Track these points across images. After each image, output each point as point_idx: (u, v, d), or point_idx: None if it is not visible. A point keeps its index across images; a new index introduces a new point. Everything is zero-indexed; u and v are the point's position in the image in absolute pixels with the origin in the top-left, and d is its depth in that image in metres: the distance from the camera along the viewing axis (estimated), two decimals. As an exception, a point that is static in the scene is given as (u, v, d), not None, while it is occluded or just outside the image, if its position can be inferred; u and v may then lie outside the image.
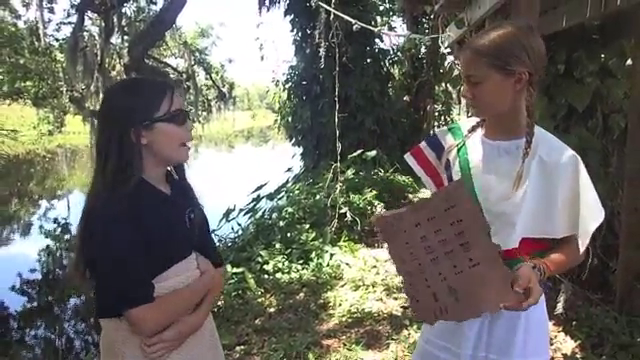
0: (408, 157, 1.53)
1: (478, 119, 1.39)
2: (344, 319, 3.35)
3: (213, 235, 5.63)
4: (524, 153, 1.24)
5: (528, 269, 1.16)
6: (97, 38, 10.07)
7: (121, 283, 1.14)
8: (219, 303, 3.67)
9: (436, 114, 10.73)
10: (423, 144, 1.51)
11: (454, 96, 8.60)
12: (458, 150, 1.39)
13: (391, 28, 10.12)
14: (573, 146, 3.25)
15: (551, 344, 2.85)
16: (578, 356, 2.68)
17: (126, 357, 1.20)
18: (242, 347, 3.06)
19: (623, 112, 3.32)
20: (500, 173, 1.28)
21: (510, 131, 1.29)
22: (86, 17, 9.29)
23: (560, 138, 3.41)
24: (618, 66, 3.47)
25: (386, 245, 1.32)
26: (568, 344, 2.83)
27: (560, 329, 2.99)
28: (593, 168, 3.26)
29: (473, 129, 1.39)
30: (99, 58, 9.72)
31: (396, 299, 3.66)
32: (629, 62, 3.46)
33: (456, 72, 4.40)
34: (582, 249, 1.26)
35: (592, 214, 1.24)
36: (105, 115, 1.22)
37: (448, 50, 4.19)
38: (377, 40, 9.13)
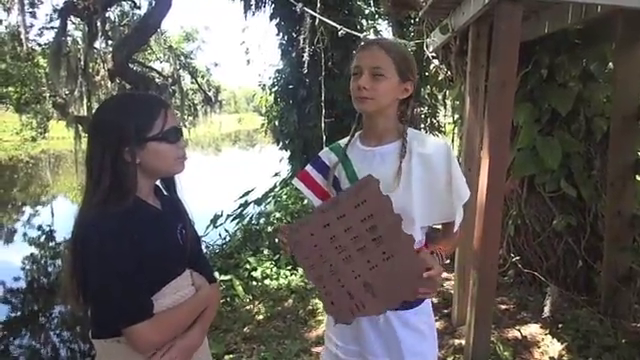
0: (296, 181, 1.56)
1: (348, 137, 1.52)
2: (333, 325, 3.34)
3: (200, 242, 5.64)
4: (401, 154, 1.37)
5: (429, 255, 1.28)
6: (80, 43, 9.95)
7: (120, 300, 1.12)
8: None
9: (422, 117, 10.79)
10: (309, 167, 1.56)
11: (439, 98, 8.66)
12: (343, 165, 1.47)
13: (377, 32, 10.12)
14: (557, 150, 3.29)
15: (538, 347, 2.88)
16: (565, 358, 2.71)
17: None
18: (231, 356, 3.03)
19: (605, 116, 3.37)
20: (385, 176, 1.34)
21: (383, 137, 1.43)
22: (69, 22, 9.18)
23: (544, 142, 3.43)
24: (599, 70, 3.52)
25: (295, 254, 1.31)
26: (555, 346, 2.86)
27: (547, 332, 3.01)
28: (577, 171, 3.31)
29: (349, 142, 1.51)
30: (82, 63, 9.61)
31: (385, 304, 3.67)
32: (610, 66, 3.52)
33: (441, 76, 4.43)
34: (456, 228, 1.41)
35: (459, 196, 1.36)
36: (98, 132, 1.18)
37: (433, 55, 4.20)
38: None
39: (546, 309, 3.11)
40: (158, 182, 1.33)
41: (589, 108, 3.41)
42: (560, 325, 3.03)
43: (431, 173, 1.35)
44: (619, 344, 2.76)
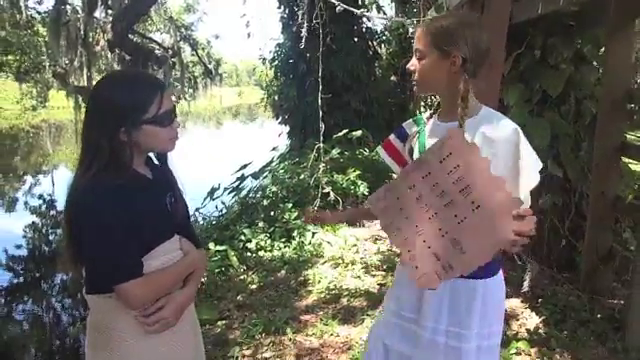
0: (380, 149, 1.66)
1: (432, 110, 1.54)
2: (322, 295, 3.47)
3: (197, 213, 5.74)
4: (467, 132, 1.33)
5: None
6: (80, 12, 9.86)
7: (111, 260, 1.20)
8: (202, 279, 3.77)
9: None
10: (392, 136, 1.64)
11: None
12: (418, 136, 1.52)
13: (379, 7, 10.04)
14: (546, 131, 3.34)
15: (517, 319, 3.01)
16: (541, 331, 2.83)
17: (113, 332, 1.27)
18: (224, 322, 3.17)
19: (595, 98, 3.42)
20: None
21: (453, 113, 1.38)
22: (68, -10, 9.11)
23: (534, 122, 3.48)
24: (593, 53, 3.56)
25: (378, 222, 1.31)
26: (533, 320, 2.98)
27: (526, 306, 3.14)
28: (564, 152, 3.38)
29: (430, 116, 1.53)
30: (82, 32, 9.54)
31: (373, 276, 3.79)
32: (604, 49, 3.55)
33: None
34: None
35: (528, 180, 1.31)
36: (96, 110, 1.25)
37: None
38: (365, 19, 9.10)
39: (525, 284, 3.23)
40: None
41: (580, 90, 3.46)
42: (540, 300, 3.16)
43: (493, 156, 1.28)
44: (594, 319, 2.89)
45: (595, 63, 3.58)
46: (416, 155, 1.50)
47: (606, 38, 3.21)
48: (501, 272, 1.47)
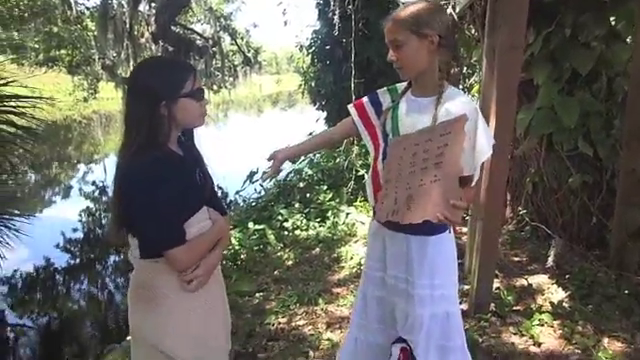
0: (351, 108, 1.82)
1: (406, 83, 1.68)
2: (354, 270, 3.65)
3: (238, 196, 6.01)
4: (436, 106, 1.53)
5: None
6: (125, 6, 10.32)
7: (161, 230, 1.38)
8: (242, 256, 4.03)
9: (461, 76, 10.63)
10: (365, 99, 1.79)
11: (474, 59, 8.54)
12: (393, 109, 1.68)
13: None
14: (574, 109, 3.34)
15: (542, 294, 3.09)
16: (565, 305, 2.90)
17: (157, 290, 1.47)
18: (261, 294, 3.40)
19: (627, 75, 3.38)
20: (419, 126, 1.55)
21: (428, 89, 1.58)
22: (114, -15, 9.55)
23: (562, 101, 3.49)
24: (627, 30, 3.50)
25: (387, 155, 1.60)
26: (559, 294, 3.05)
27: (553, 281, 3.20)
28: (594, 130, 3.39)
29: (404, 91, 1.68)
30: (128, 26, 10.00)
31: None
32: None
33: (468, 36, 4.47)
34: (473, 183, 1.53)
35: (480, 154, 1.49)
36: (137, 90, 1.42)
37: (460, 15, 4.24)
38: (400, 3, 9.07)
39: (550, 259, 3.29)
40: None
41: (612, 68, 3.43)
42: (567, 276, 3.21)
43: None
44: (621, 294, 2.93)
45: (629, 40, 3.53)
46: (389, 128, 1.67)
47: (636, 14, 3.17)
48: (451, 230, 1.68)
